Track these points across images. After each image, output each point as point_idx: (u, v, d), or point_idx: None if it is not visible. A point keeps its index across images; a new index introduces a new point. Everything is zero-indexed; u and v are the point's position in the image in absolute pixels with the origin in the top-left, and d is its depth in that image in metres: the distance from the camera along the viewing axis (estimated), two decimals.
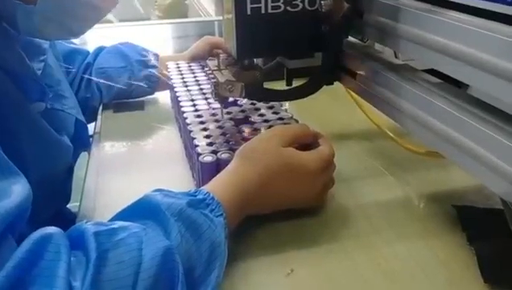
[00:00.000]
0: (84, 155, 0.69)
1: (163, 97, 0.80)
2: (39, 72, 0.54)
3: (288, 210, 0.48)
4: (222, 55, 0.58)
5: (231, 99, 0.60)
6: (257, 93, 0.55)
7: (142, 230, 0.35)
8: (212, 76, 0.56)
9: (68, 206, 0.67)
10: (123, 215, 0.39)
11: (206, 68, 0.68)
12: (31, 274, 0.30)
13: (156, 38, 1.33)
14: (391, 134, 0.58)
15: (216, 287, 0.38)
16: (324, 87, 0.56)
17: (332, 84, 0.57)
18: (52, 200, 0.56)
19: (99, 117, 0.76)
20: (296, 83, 0.56)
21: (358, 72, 0.53)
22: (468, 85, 0.42)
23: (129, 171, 0.60)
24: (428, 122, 0.41)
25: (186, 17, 2.68)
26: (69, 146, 0.54)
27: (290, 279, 0.41)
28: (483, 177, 0.37)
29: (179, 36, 1.44)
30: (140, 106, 0.78)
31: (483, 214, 0.48)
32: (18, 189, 0.33)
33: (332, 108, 0.66)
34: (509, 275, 0.40)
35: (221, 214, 0.41)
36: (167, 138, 0.69)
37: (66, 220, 0.60)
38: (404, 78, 0.45)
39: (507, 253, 0.38)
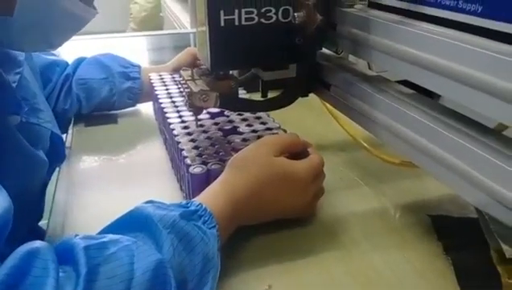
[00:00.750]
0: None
1: (137, 109, 0.79)
2: (15, 85, 0.52)
3: (269, 222, 0.47)
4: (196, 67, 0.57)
5: (216, 110, 0.59)
6: (231, 103, 0.54)
7: (133, 243, 0.34)
8: (185, 86, 0.55)
9: (39, 224, 0.65)
10: (113, 227, 0.37)
11: (179, 78, 0.67)
12: None
13: (132, 50, 1.32)
14: (366, 145, 0.59)
15: None
16: (300, 98, 0.56)
17: (307, 95, 0.58)
18: (27, 216, 0.53)
19: (70, 131, 0.73)
20: (272, 94, 0.56)
21: (332, 84, 0.53)
22: (440, 96, 0.42)
23: (105, 186, 0.58)
24: (402, 133, 0.41)
25: (161, 29, 2.68)
26: (45, 160, 0.52)
27: None
28: (457, 187, 0.37)
29: (155, 48, 1.43)
30: (113, 120, 0.76)
31: (458, 223, 0.48)
32: None
33: (308, 119, 0.66)
34: (485, 284, 0.40)
35: (214, 226, 0.40)
36: (144, 151, 0.68)
37: (38, 237, 0.58)
38: (378, 89, 0.45)
39: (483, 261, 0.39)
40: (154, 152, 0.66)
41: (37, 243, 0.32)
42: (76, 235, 0.35)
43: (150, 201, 0.40)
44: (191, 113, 0.61)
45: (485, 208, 0.35)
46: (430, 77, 0.37)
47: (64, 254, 0.32)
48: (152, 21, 2.95)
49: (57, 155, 0.58)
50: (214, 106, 0.52)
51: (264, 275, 0.42)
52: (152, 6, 3.04)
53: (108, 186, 0.58)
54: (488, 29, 0.34)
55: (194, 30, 1.59)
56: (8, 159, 0.34)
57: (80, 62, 0.76)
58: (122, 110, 0.78)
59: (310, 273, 0.43)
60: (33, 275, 0.30)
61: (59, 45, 0.52)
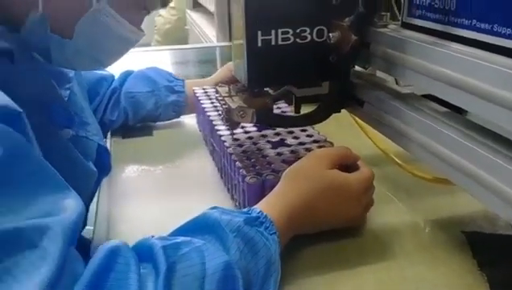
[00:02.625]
0: None
1: (173, 122, 0.82)
2: (66, 99, 0.56)
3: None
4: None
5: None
6: (267, 118, 0.56)
7: (203, 245, 0.37)
8: (223, 102, 0.58)
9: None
10: (183, 230, 0.40)
11: (217, 95, 0.70)
12: (105, 285, 0.32)
13: (156, 63, 1.36)
14: (397, 160, 0.60)
15: None
16: None
17: (340, 111, 0.59)
18: None
19: (108, 142, 0.77)
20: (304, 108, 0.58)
21: (365, 101, 0.54)
22: (467, 111, 0.43)
23: (149, 196, 0.61)
24: (436, 150, 0.43)
25: (186, 42, 2.73)
26: (94, 171, 0.56)
27: None
28: (490, 203, 0.38)
29: (179, 62, 1.46)
30: (149, 132, 0.79)
31: (492, 240, 0.49)
32: (72, 203, 0.34)
33: (339, 133, 0.68)
34: None
35: (275, 232, 0.42)
36: (188, 162, 0.70)
37: (83, 244, 0.61)
38: (411, 107, 0.47)
39: None
40: (199, 163, 0.69)
41: (116, 242, 0.35)
42: (152, 236, 0.38)
43: (215, 207, 0.43)
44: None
45: None
46: (460, 95, 0.39)
47: (143, 253, 0.35)
48: (176, 33, 3.01)
49: (103, 166, 0.61)
50: (251, 122, 0.54)
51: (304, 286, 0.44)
52: (176, 19, 3.10)
53: (153, 196, 0.61)
54: None
55: (220, 44, 1.63)
56: (63, 170, 0.36)
57: (126, 75, 0.80)
58: (157, 123, 0.81)
59: (344, 285, 0.44)
60: (117, 270, 0.33)
61: (109, 65, 0.55)
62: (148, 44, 2.84)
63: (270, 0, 0.49)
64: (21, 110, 0.34)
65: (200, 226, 0.40)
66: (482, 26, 0.39)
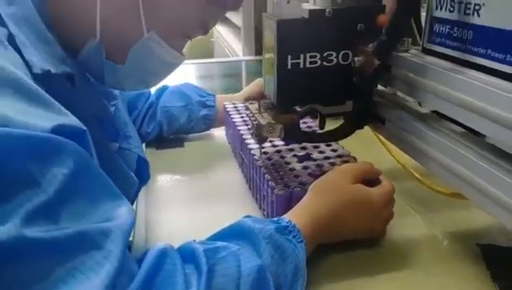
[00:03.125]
0: None
1: (202, 134, 0.87)
2: (113, 116, 0.62)
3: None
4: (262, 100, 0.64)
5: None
6: (294, 134, 0.60)
7: (238, 249, 0.41)
8: (253, 118, 0.62)
9: None
10: (220, 236, 0.45)
11: (247, 111, 0.75)
12: (156, 283, 0.36)
13: (183, 76, 1.42)
14: (416, 175, 0.63)
15: None
16: None
17: (363, 128, 0.63)
18: None
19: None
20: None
21: (387, 119, 0.58)
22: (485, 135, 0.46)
23: (179, 204, 0.66)
24: (453, 168, 0.46)
25: (211, 54, 2.81)
26: (136, 181, 0.60)
27: None
28: (501, 217, 0.41)
29: (204, 76, 1.51)
30: (181, 143, 0.84)
31: (506, 253, 0.51)
32: (125, 210, 0.38)
33: (362, 149, 0.71)
34: None
35: (302, 241, 0.46)
36: (218, 172, 0.75)
37: None
38: (430, 127, 0.50)
39: None
40: (228, 173, 0.74)
41: (164, 245, 0.39)
42: (194, 240, 0.43)
43: (248, 216, 0.47)
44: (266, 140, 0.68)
45: None
46: (477, 119, 0.42)
47: (186, 255, 0.40)
48: (202, 45, 3.09)
49: (143, 176, 0.66)
50: (279, 137, 0.59)
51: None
52: None
53: (185, 204, 0.66)
54: None
55: (246, 58, 1.68)
56: (112, 180, 0.41)
57: (162, 91, 0.85)
58: (189, 135, 0.86)
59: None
60: (165, 269, 0.37)
61: (154, 86, 0.61)
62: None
63: (299, 27, 0.53)
64: (85, 129, 0.39)
65: (235, 233, 0.44)
66: (496, 55, 0.43)
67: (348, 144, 0.67)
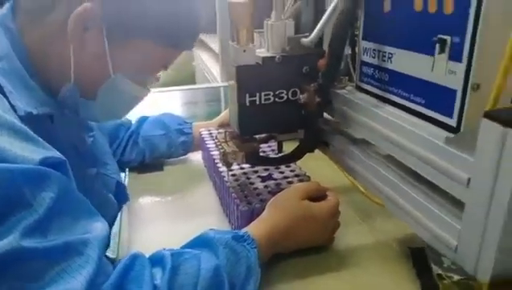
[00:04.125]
0: None
1: (179, 159, 0.97)
2: (89, 145, 0.71)
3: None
4: (228, 130, 0.75)
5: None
6: (254, 159, 0.71)
7: (199, 253, 0.51)
8: (220, 146, 0.73)
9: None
10: (187, 245, 0.54)
11: (216, 140, 0.85)
12: (127, 280, 0.45)
13: (168, 104, 1.53)
14: (362, 189, 0.74)
15: None
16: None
17: (313, 151, 0.74)
18: None
19: (126, 177, 0.92)
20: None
21: (330, 143, 0.69)
22: None
23: (162, 221, 0.75)
24: (376, 184, 0.57)
25: (193, 77, 2.92)
26: (115, 202, 0.70)
27: None
28: (413, 226, 0.52)
29: (189, 102, 1.61)
30: (160, 167, 0.94)
31: (424, 253, 0.62)
32: (101, 225, 0.47)
33: (320, 168, 0.82)
34: None
35: (255, 247, 0.55)
36: (194, 192, 0.85)
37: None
38: (361, 150, 0.61)
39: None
40: (204, 193, 0.83)
41: (136, 252, 0.49)
42: (164, 249, 0.52)
43: (212, 229, 0.56)
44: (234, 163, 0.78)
45: (431, 242, 0.49)
46: (390, 146, 0.53)
47: (156, 260, 0.49)
48: (184, 68, 3.21)
49: (121, 197, 0.75)
50: (241, 162, 0.69)
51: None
52: (184, 56, 3.30)
53: (165, 221, 0.75)
54: (428, 116, 0.50)
55: (224, 84, 1.79)
56: (93, 200, 0.50)
57: (142, 121, 0.95)
58: (168, 160, 0.96)
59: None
60: (135, 269, 0.46)
61: (123, 117, 0.72)
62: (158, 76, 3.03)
63: (255, 71, 0.64)
64: (65, 159, 0.46)
65: (199, 242, 0.54)
66: (404, 94, 0.54)
67: (309, 163, 0.77)
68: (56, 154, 0.47)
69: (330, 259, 0.63)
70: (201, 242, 0.54)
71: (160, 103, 1.41)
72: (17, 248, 0.39)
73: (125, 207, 0.80)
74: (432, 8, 0.46)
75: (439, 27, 0.45)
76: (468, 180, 0.41)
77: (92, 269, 0.42)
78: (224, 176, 0.74)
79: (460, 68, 0.44)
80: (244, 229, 0.58)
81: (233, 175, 0.75)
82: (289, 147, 0.73)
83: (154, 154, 0.93)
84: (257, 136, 0.73)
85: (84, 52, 0.56)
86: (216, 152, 0.83)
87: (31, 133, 0.46)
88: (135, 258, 0.48)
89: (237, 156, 0.68)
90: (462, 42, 0.43)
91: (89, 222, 0.46)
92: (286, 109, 0.67)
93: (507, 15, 0.40)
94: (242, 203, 0.66)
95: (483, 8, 0.40)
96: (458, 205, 0.44)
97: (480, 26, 0.41)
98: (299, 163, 0.74)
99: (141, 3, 0.56)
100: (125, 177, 0.92)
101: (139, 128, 0.94)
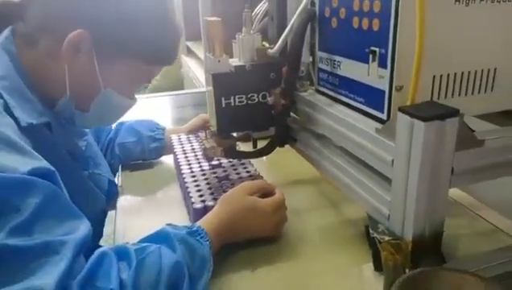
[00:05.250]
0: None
1: (168, 159, 1.07)
2: (84, 148, 0.81)
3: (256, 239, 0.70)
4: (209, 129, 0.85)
5: (216, 162, 0.87)
6: (232, 154, 0.82)
7: (159, 248, 0.55)
8: (201, 143, 0.83)
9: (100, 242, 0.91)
10: (147, 240, 0.59)
11: (198, 138, 0.95)
12: (97, 276, 0.49)
13: (157, 108, 1.63)
14: (328, 180, 0.85)
15: (206, 283, 0.60)
16: (287, 147, 0.84)
17: (284, 146, 0.85)
18: (95, 236, 0.80)
19: (120, 175, 1.02)
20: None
21: (298, 139, 0.80)
22: None
23: (144, 214, 0.85)
24: (332, 171, 0.68)
25: (182, 83, 3.02)
26: (103, 197, 0.80)
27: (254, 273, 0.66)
28: (360, 202, 0.62)
29: (177, 106, 1.71)
30: (151, 166, 1.04)
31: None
32: (83, 226, 0.52)
33: (292, 161, 0.92)
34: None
35: (208, 240, 0.61)
36: (170, 191, 0.94)
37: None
38: (321, 143, 0.72)
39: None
40: (174, 191, 0.92)
41: (105, 248, 0.53)
42: (127, 243, 0.58)
43: (169, 224, 0.62)
44: (198, 165, 0.88)
45: (372, 214, 0.60)
46: (340, 139, 0.64)
47: (120, 254, 0.53)
48: (172, 75, 3.30)
49: (112, 193, 0.85)
50: (220, 157, 0.80)
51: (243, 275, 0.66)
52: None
53: (152, 212, 0.85)
54: (367, 112, 0.61)
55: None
56: (83, 198, 0.57)
57: (119, 128, 1.03)
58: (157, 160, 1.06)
59: (264, 276, 0.65)
60: (104, 266, 0.50)
61: (113, 123, 0.83)
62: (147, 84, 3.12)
63: (228, 78, 0.75)
64: (54, 169, 0.52)
65: (158, 237, 0.59)
66: (350, 95, 0.65)
67: (285, 158, 0.87)
68: (46, 165, 0.52)
69: (285, 247, 0.71)
70: (160, 237, 0.59)
71: (151, 108, 1.50)
72: (2, 245, 0.44)
73: (119, 200, 0.91)
74: (365, 25, 0.57)
75: (370, 41, 0.57)
76: (392, 161, 0.52)
77: (65, 267, 0.47)
78: (184, 177, 0.83)
79: (387, 73, 0.55)
80: (197, 224, 0.64)
81: (193, 176, 0.84)
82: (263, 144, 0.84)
83: (128, 159, 1.01)
84: (234, 134, 0.85)
85: (77, 71, 0.66)
86: (182, 155, 0.93)
87: (25, 146, 0.53)
88: (104, 255, 0.52)
89: (217, 151, 0.79)
90: (386, 52, 0.54)
91: (73, 225, 0.51)
92: (257, 110, 0.78)
93: (420, 32, 0.51)
94: (197, 201, 0.74)
95: (399, 26, 0.51)
96: (388, 181, 0.55)
97: (398, 40, 0.52)
98: (276, 157, 0.84)
99: (127, 30, 0.66)
100: (118, 175, 1.02)
101: (116, 134, 1.03)
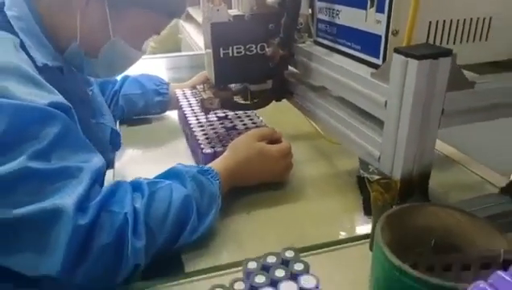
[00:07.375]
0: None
1: (169, 115, 1.08)
2: (90, 97, 0.82)
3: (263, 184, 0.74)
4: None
5: (222, 114, 0.88)
6: (228, 105, 0.83)
7: (171, 183, 0.60)
8: (199, 95, 0.84)
9: None
10: (160, 176, 0.63)
11: (194, 90, 0.96)
12: (111, 201, 0.54)
13: (155, 68, 1.63)
14: (322, 133, 0.86)
15: (213, 220, 0.63)
16: (284, 102, 0.85)
17: (280, 100, 0.86)
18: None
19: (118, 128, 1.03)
20: None
21: (294, 93, 0.81)
22: None
23: (143, 163, 0.87)
24: (328, 121, 0.69)
25: (179, 49, 3.00)
26: (109, 146, 0.82)
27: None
28: (354, 148, 0.64)
29: (174, 67, 1.72)
30: (149, 121, 1.05)
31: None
32: (97, 159, 0.56)
33: (290, 116, 0.94)
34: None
35: (218, 179, 0.65)
36: (171, 143, 0.96)
37: None
38: (318, 95, 0.74)
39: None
40: (178, 144, 0.94)
41: (120, 180, 0.59)
42: (140, 177, 0.62)
43: (180, 164, 0.67)
44: (204, 115, 0.90)
45: (364, 158, 0.62)
46: (337, 86, 0.65)
47: (135, 186, 0.58)
48: (170, 41, 3.27)
49: (115, 144, 0.87)
50: (217, 108, 0.81)
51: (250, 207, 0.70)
52: (170, 28, 3.36)
53: (150, 162, 0.87)
54: (363, 59, 0.62)
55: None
56: (92, 143, 0.61)
57: (124, 80, 1.05)
58: (155, 116, 1.07)
59: (267, 218, 0.69)
60: (119, 193, 0.55)
61: (120, 74, 0.84)
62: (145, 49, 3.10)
63: (227, 27, 0.75)
64: (70, 106, 0.56)
65: (169, 174, 0.63)
66: (348, 43, 0.66)
67: (281, 113, 0.88)
68: (63, 100, 0.55)
69: (288, 193, 0.75)
70: (172, 174, 0.62)
71: (148, 69, 1.50)
72: (24, 168, 0.48)
73: (118, 152, 0.92)
74: None
75: None
76: (385, 102, 0.54)
77: (83, 190, 0.50)
78: (192, 128, 0.85)
79: (384, 18, 0.55)
80: (208, 165, 0.68)
81: (201, 126, 0.86)
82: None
83: (131, 111, 1.03)
84: (232, 86, 0.85)
85: (88, 18, 0.68)
86: (189, 108, 0.95)
87: (43, 81, 0.56)
88: (119, 184, 0.56)
89: (214, 102, 0.80)
90: None
91: (87, 156, 0.55)
92: (255, 62, 0.78)
93: None
94: (206, 147, 0.77)
95: None
96: (380, 125, 0.56)
97: None
98: (272, 113, 0.85)
99: None
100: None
101: (121, 86, 1.04)
